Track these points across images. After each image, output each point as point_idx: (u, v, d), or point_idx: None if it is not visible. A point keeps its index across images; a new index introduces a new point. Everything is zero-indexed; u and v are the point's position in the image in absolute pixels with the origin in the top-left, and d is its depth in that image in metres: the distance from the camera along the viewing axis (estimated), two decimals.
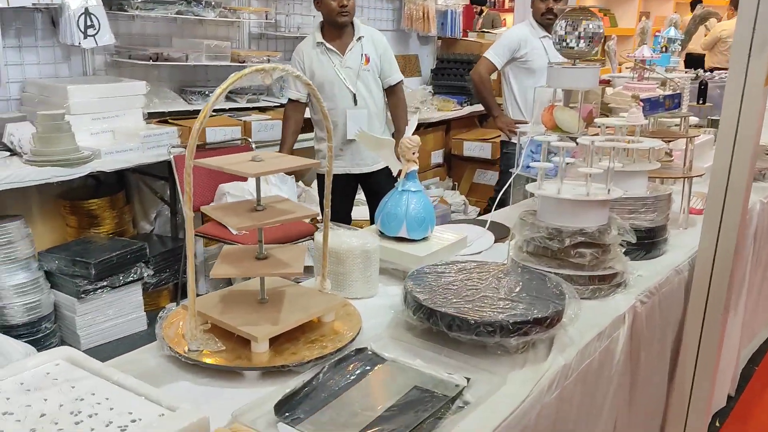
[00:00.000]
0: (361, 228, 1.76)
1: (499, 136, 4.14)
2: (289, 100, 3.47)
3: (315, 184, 3.97)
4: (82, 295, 3.17)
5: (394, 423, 1.05)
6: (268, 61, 4.18)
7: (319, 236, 1.43)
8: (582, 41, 2.09)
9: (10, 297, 3.03)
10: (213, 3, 3.95)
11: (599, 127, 1.97)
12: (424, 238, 1.73)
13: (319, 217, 1.57)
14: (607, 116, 2.20)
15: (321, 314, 1.33)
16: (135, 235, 3.84)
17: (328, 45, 3.34)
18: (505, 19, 8.95)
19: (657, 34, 2.69)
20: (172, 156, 3.40)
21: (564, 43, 2.10)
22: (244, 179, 3.29)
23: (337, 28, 3.34)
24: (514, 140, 3.82)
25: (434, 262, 1.56)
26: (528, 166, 2.21)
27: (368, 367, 1.22)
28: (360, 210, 3.86)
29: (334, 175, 3.21)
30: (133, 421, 0.98)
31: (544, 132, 2.14)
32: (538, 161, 1.72)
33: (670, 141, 2.34)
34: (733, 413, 2.83)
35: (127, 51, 3.82)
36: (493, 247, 1.96)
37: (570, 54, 2.11)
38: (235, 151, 3.72)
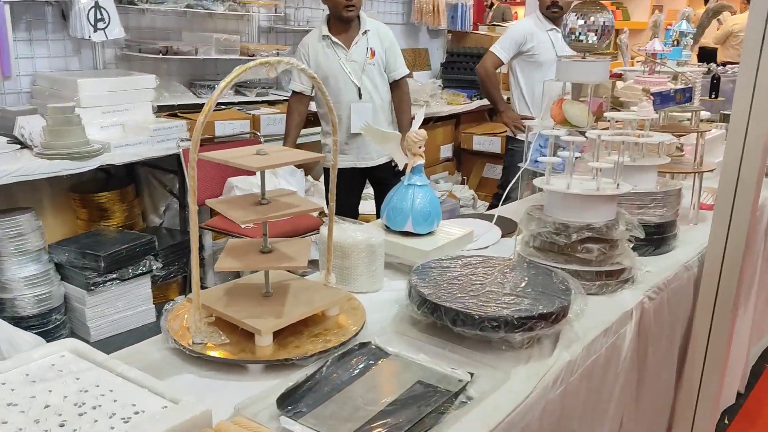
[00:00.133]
0: (368, 222, 1.75)
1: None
2: (293, 92, 3.47)
3: (323, 178, 3.97)
4: (92, 288, 3.19)
5: (397, 417, 1.04)
6: (277, 54, 4.18)
7: (324, 230, 1.43)
8: (592, 34, 2.07)
9: (20, 289, 3.05)
10: None
11: (609, 121, 1.96)
12: (430, 233, 1.72)
13: (326, 211, 1.56)
14: (619, 110, 2.18)
15: (325, 308, 1.33)
16: (144, 228, 3.86)
17: (333, 38, 3.33)
18: (516, 12, 8.88)
19: (669, 27, 2.66)
20: (180, 149, 3.41)
21: (574, 36, 2.09)
22: (252, 173, 3.30)
23: (343, 22, 3.33)
24: (519, 137, 3.82)
25: (440, 257, 1.55)
26: (536, 161, 2.20)
27: (372, 362, 1.22)
28: (368, 204, 3.85)
29: (340, 170, 3.23)
30: (136, 413, 0.98)
31: (553, 126, 2.13)
32: (546, 155, 1.71)
33: (680, 135, 2.32)
34: (742, 410, 2.81)
35: (137, 44, 3.83)
36: (500, 242, 1.95)
37: (580, 47, 2.09)
38: (244, 144, 3.72)
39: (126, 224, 3.70)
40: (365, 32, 3.38)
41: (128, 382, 1.06)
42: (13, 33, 3.24)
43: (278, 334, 1.24)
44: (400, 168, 1.74)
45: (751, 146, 1.72)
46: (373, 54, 3.38)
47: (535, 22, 3.85)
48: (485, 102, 5.49)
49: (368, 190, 3.73)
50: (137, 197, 3.88)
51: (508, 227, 2.02)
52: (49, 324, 3.13)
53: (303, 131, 3.59)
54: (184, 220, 3.82)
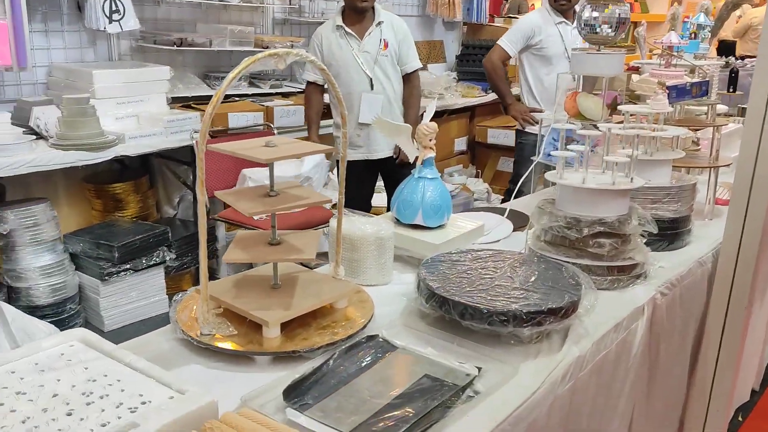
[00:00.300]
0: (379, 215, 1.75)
1: None
2: (308, 82, 3.51)
3: (336, 170, 3.97)
4: (106, 278, 3.22)
5: (404, 411, 1.04)
6: (291, 46, 4.17)
7: (333, 223, 1.42)
8: (607, 26, 2.04)
9: (35, 278, 3.08)
10: None
11: (623, 114, 1.93)
12: (441, 226, 1.71)
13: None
14: (635, 103, 2.16)
15: (333, 300, 1.33)
16: (158, 219, 3.88)
17: (347, 29, 3.36)
18: (533, 4, 8.80)
19: (686, 20, 2.62)
20: (194, 141, 3.42)
21: (589, 28, 2.06)
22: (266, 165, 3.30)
23: (357, 13, 3.35)
24: (528, 130, 3.79)
25: (449, 250, 1.54)
26: (549, 155, 2.18)
27: (379, 355, 1.21)
28: (382, 197, 3.85)
29: (351, 162, 3.23)
30: (143, 403, 0.99)
31: (567, 119, 2.11)
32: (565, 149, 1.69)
33: (697, 130, 2.29)
34: (756, 408, 2.78)
35: (152, 36, 3.84)
36: (511, 236, 1.94)
37: (595, 39, 2.07)
38: (258, 136, 3.73)
39: (140, 215, 3.72)
40: (379, 23, 3.39)
41: (136, 372, 1.07)
42: (29, 24, 3.27)
43: (286, 326, 1.24)
44: (410, 160, 1.73)
45: (767, 141, 1.69)
46: (386, 45, 3.39)
47: (543, 15, 3.81)
48: None
49: (382, 183, 3.73)
50: (151, 188, 3.90)
51: (520, 221, 2.01)
52: (64, 313, 3.16)
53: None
54: (197, 211, 3.83)
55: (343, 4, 3.40)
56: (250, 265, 2.75)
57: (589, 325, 1.39)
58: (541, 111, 3.77)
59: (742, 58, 4.56)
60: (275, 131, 3.83)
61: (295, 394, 1.07)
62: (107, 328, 3.26)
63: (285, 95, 4.31)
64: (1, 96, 3.42)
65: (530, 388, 1.17)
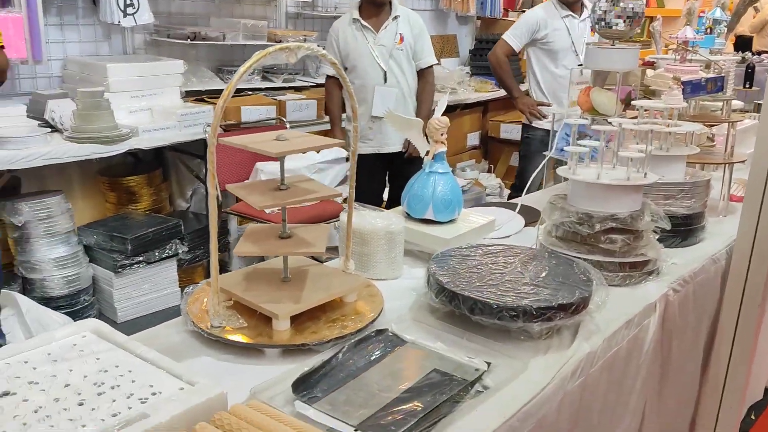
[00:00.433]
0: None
1: None
2: (327, 76, 3.57)
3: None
4: (119, 270, 3.25)
5: (412, 405, 1.04)
6: (304, 40, 4.17)
7: (343, 216, 1.42)
8: (621, 21, 2.03)
9: (50, 270, 3.11)
10: None
11: (637, 109, 1.92)
12: (451, 221, 1.71)
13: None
14: (649, 99, 2.14)
15: (343, 294, 1.33)
16: (171, 213, 3.90)
17: (363, 22, 3.39)
18: None
19: (702, 14, 2.59)
20: (207, 134, 3.43)
21: (603, 23, 2.05)
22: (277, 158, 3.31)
23: (374, 6, 3.39)
24: (535, 125, 3.78)
25: (460, 245, 1.54)
26: (562, 150, 2.17)
27: (388, 349, 1.21)
28: (385, 192, 3.85)
29: (362, 155, 3.24)
30: (154, 394, 1.00)
31: (580, 114, 2.10)
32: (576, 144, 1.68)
33: (711, 125, 2.27)
34: None
35: (166, 30, 3.85)
36: (522, 231, 1.93)
37: (609, 34, 2.05)
38: (270, 130, 3.73)
39: (153, 208, 3.75)
40: (395, 18, 3.41)
41: (147, 363, 1.08)
42: (45, 18, 3.29)
43: (295, 319, 1.24)
44: (421, 155, 1.72)
45: None
46: (401, 39, 3.42)
47: (548, 9, 3.77)
48: None
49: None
50: (164, 181, 3.92)
51: (531, 216, 2.00)
52: (78, 305, 3.19)
53: None
54: (208, 204, 3.85)
55: None
56: (261, 258, 2.78)
57: (600, 322, 1.38)
58: (548, 105, 3.75)
59: (759, 53, 4.50)
60: (288, 125, 3.84)
61: (304, 386, 1.07)
62: (120, 320, 3.28)
63: (298, 89, 4.32)
64: (16, 89, 3.45)
65: (540, 383, 1.17)
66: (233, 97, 1.10)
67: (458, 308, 1.28)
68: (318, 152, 3.58)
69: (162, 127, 3.33)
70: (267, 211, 3.24)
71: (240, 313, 1.25)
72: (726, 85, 2.27)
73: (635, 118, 1.84)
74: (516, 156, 5.55)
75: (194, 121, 3.44)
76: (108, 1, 3.43)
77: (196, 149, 3.63)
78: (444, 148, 1.68)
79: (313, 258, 1.44)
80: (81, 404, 0.96)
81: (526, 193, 2.17)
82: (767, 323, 2.26)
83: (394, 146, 3.49)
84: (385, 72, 3.39)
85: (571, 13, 3.71)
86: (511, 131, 5.45)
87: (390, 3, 3.43)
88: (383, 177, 3.66)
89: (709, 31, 2.48)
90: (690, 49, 2.24)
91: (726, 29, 2.60)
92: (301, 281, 1.32)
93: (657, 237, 1.65)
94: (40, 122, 3.12)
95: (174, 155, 3.85)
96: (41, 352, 1.11)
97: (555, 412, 1.20)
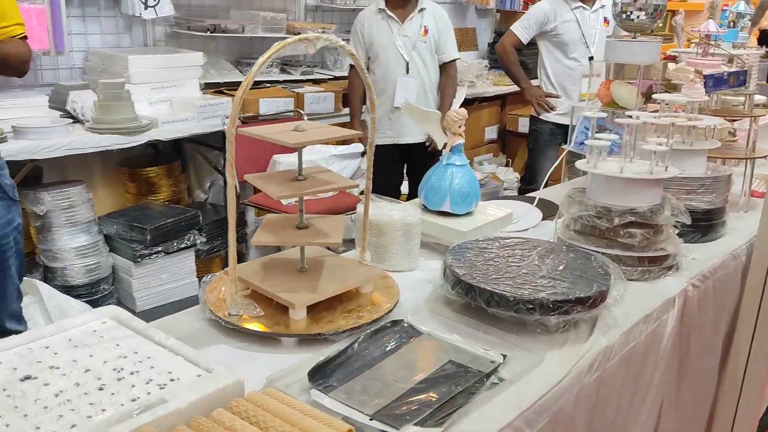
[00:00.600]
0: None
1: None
2: (351, 66, 3.59)
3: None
4: (138, 259, 3.28)
5: (427, 395, 1.05)
6: (323, 32, 4.17)
7: (360, 208, 1.43)
8: (643, 13, 2.00)
9: (71, 259, 3.16)
10: None
11: (659, 103, 1.90)
12: (468, 213, 1.70)
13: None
14: (670, 92, 2.11)
15: (359, 285, 1.33)
16: (190, 204, 3.94)
17: (388, 12, 3.41)
18: None
19: (725, 8, 2.56)
20: (225, 126, 3.44)
21: (624, 15, 2.02)
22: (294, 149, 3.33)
23: None
24: (543, 117, 3.75)
25: (477, 238, 1.54)
26: (581, 143, 2.15)
27: (404, 340, 1.22)
28: (405, 184, 3.85)
29: (380, 146, 3.24)
30: (172, 380, 1.01)
31: (600, 107, 2.08)
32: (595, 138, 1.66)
33: (733, 120, 2.24)
34: None
35: (186, 22, 3.88)
36: (540, 225, 1.92)
37: (630, 27, 2.02)
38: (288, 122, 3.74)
39: (172, 199, 3.78)
40: (421, 10, 3.44)
41: (165, 350, 1.09)
42: (67, 9, 3.33)
43: (312, 309, 1.25)
44: (439, 147, 1.72)
45: None
46: (426, 32, 3.43)
47: (557, 1, 3.74)
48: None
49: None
50: (183, 173, 3.95)
51: (549, 210, 1.99)
52: (97, 293, 3.23)
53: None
54: (227, 193, 3.87)
55: None
56: (278, 249, 2.80)
57: (618, 316, 1.37)
58: (557, 97, 3.73)
59: None
60: (305, 117, 3.84)
61: (319, 375, 1.08)
62: (138, 309, 3.32)
63: (316, 82, 4.33)
64: (39, 80, 3.49)
65: (556, 377, 1.17)
66: (252, 89, 1.11)
67: (474, 300, 1.28)
68: (335, 145, 3.60)
69: (181, 119, 3.36)
70: (284, 202, 3.26)
71: (257, 302, 1.26)
72: (749, 79, 2.24)
73: (655, 111, 1.82)
74: None
75: (213, 112, 3.46)
76: None
77: (214, 141, 3.65)
78: (462, 140, 1.68)
79: (328, 249, 1.44)
80: (101, 389, 0.98)
81: (544, 188, 2.16)
82: None
83: (413, 137, 3.49)
84: (408, 63, 3.41)
85: (581, 4, 3.68)
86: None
87: None
88: (401, 169, 3.66)
89: (732, 24, 2.44)
90: (712, 43, 2.21)
91: (750, 23, 2.56)
92: (318, 271, 1.33)
93: (677, 232, 1.63)
94: (61, 113, 3.16)
95: (193, 147, 3.88)
96: (62, 337, 1.13)
97: (571, 406, 1.20)
